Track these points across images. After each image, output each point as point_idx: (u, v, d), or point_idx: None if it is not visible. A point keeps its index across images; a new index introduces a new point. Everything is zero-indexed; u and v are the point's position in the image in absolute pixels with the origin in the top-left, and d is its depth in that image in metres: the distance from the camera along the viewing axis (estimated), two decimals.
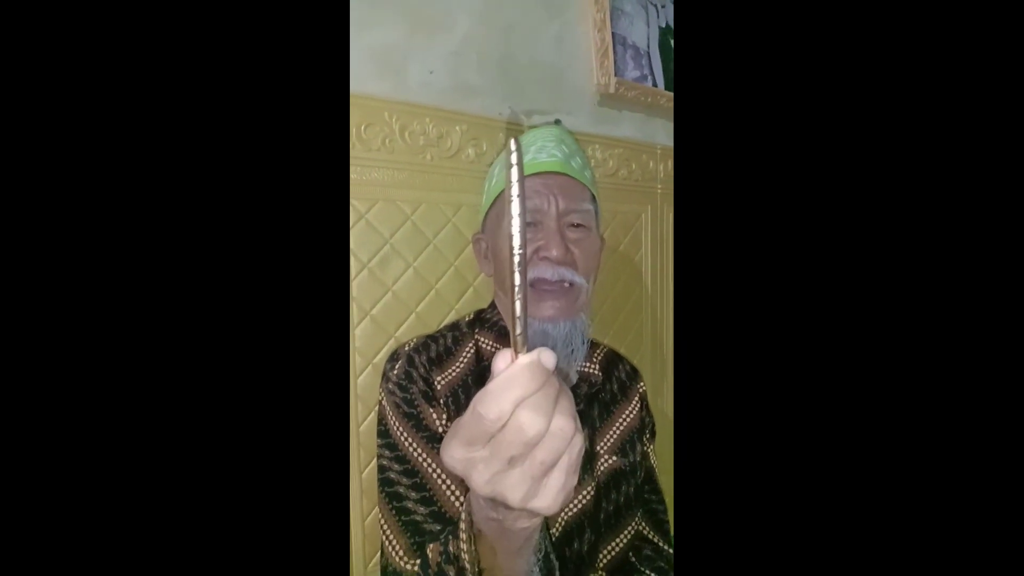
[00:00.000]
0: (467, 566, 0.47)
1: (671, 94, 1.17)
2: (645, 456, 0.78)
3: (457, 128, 0.88)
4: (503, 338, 0.74)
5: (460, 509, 0.61)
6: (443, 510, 0.61)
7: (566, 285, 0.68)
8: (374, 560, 0.80)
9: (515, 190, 0.30)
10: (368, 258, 0.81)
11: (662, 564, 0.72)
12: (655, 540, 0.75)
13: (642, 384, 0.83)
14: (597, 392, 0.77)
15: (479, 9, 0.92)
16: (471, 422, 0.31)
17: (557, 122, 1.00)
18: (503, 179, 0.73)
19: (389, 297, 0.83)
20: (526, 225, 0.31)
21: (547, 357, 0.31)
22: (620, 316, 1.13)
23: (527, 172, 0.67)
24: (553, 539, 0.66)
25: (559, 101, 1.04)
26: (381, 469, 0.66)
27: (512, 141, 0.29)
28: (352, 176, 0.78)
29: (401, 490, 0.63)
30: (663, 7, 1.18)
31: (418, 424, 0.65)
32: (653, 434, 0.82)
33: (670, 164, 1.20)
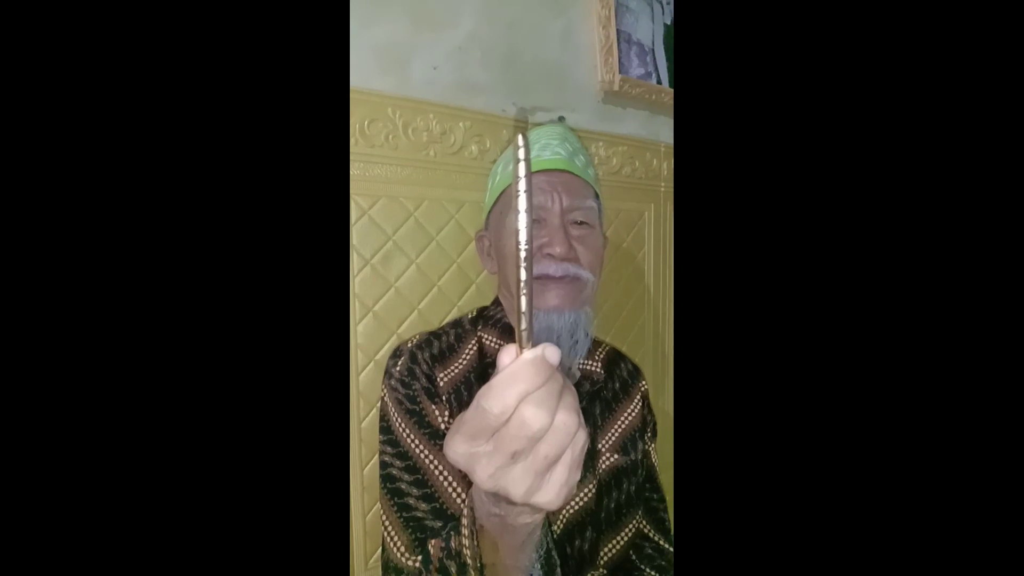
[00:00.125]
0: (469, 562, 0.47)
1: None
2: (646, 454, 0.78)
3: (460, 125, 0.88)
4: (506, 335, 0.74)
5: (462, 506, 0.61)
6: (445, 507, 0.61)
7: (571, 278, 0.68)
8: (375, 556, 0.81)
9: (522, 186, 0.30)
10: (371, 254, 0.81)
11: (663, 562, 0.72)
12: (656, 538, 0.75)
13: (644, 383, 0.83)
14: (599, 390, 0.77)
15: (483, 5, 0.92)
16: (475, 416, 0.31)
17: (561, 119, 1.00)
18: (507, 176, 0.73)
19: (392, 294, 0.83)
20: (532, 221, 0.31)
21: (551, 352, 0.31)
22: (622, 314, 1.13)
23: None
24: (555, 536, 0.66)
25: (563, 98, 1.03)
26: (383, 465, 0.66)
27: (519, 137, 0.29)
28: (355, 172, 0.78)
29: (403, 486, 0.63)
30: (668, 4, 1.18)
31: (420, 421, 0.65)
32: (655, 433, 0.82)
33: (673, 162, 1.19)
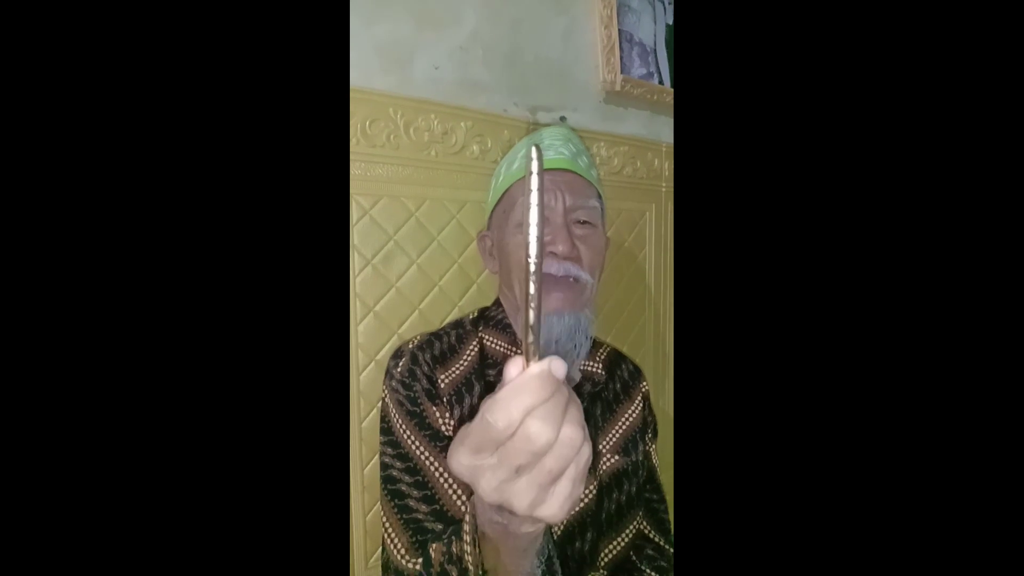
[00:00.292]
0: (470, 568, 0.47)
1: None
2: (647, 455, 0.78)
3: (462, 124, 0.87)
4: (507, 336, 0.74)
5: (462, 508, 0.61)
6: (445, 509, 0.61)
7: (571, 280, 0.68)
8: (375, 556, 0.81)
9: (533, 199, 0.30)
10: (372, 254, 0.81)
11: (663, 563, 0.72)
12: (656, 539, 0.75)
13: (645, 384, 0.83)
14: (600, 391, 0.77)
15: (486, 4, 0.92)
16: (479, 429, 0.31)
17: (562, 119, 1.00)
18: (510, 176, 0.73)
19: (393, 293, 0.83)
20: (543, 234, 0.31)
21: (558, 366, 0.31)
22: (623, 314, 1.13)
23: None
24: (555, 537, 0.67)
25: (565, 98, 1.03)
26: (383, 466, 0.66)
27: (532, 149, 0.29)
28: (356, 172, 0.78)
29: (403, 488, 0.63)
30: (670, 3, 1.17)
31: (421, 422, 0.65)
32: (655, 433, 0.82)
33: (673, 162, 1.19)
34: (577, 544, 0.68)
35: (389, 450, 0.66)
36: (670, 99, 1.16)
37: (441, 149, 0.86)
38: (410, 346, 0.71)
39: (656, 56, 1.15)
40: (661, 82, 1.15)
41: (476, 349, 0.72)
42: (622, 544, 0.72)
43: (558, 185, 0.70)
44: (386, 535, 0.63)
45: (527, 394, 0.30)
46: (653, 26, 1.14)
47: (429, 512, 0.61)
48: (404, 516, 0.62)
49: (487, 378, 0.69)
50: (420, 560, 0.57)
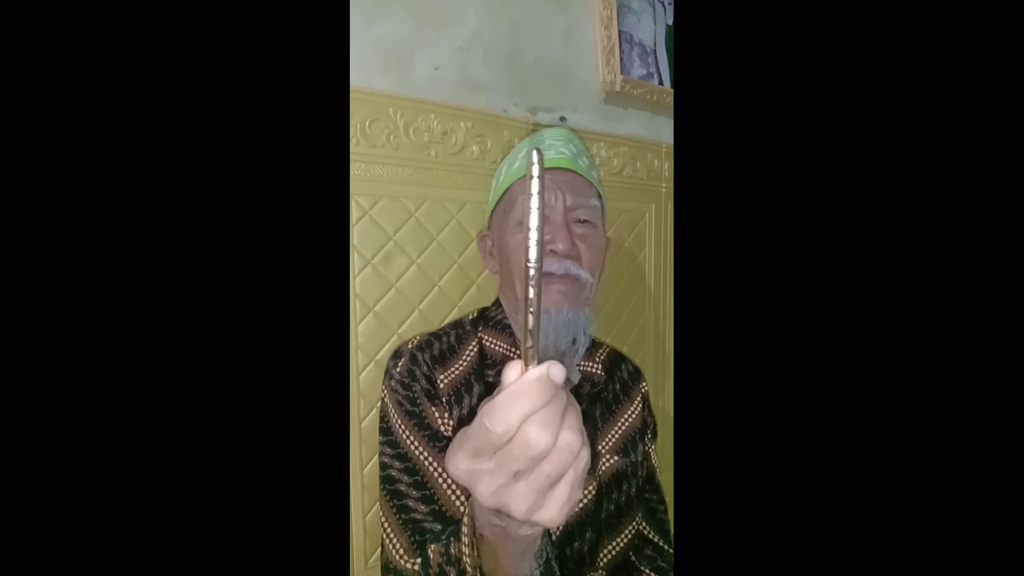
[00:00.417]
0: (468, 569, 0.47)
1: None
2: (646, 456, 0.78)
3: (462, 125, 0.87)
4: (507, 336, 0.74)
5: (461, 508, 0.61)
6: (444, 509, 0.61)
7: (571, 278, 0.68)
8: (374, 556, 0.81)
9: (534, 202, 0.29)
10: (371, 254, 0.81)
11: (662, 564, 0.72)
12: (656, 540, 0.75)
13: (644, 384, 0.83)
14: (600, 392, 0.77)
15: (486, 4, 0.91)
16: (478, 434, 0.31)
17: (562, 119, 1.00)
18: (510, 176, 0.73)
19: (392, 294, 0.83)
20: (543, 238, 0.31)
21: (556, 371, 0.31)
22: (623, 314, 1.13)
23: None
24: (554, 538, 0.67)
25: (565, 98, 1.03)
26: (382, 467, 0.66)
27: (534, 152, 0.29)
28: (356, 172, 0.78)
29: (402, 488, 0.63)
30: (669, 4, 1.17)
31: (420, 422, 0.65)
32: (655, 434, 0.82)
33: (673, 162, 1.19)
34: (576, 544, 0.68)
35: (388, 450, 0.66)
36: (670, 100, 1.16)
37: (441, 149, 0.86)
38: (409, 346, 0.72)
39: (656, 57, 1.15)
40: (661, 83, 1.15)
41: (475, 349, 0.72)
42: (621, 545, 0.72)
43: (559, 184, 0.70)
44: (385, 535, 0.63)
45: (525, 399, 0.30)
46: (653, 27, 1.14)
47: (428, 512, 0.61)
48: (403, 516, 0.62)
49: (486, 378, 0.70)
50: (419, 560, 0.57)
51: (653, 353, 1.19)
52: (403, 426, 0.66)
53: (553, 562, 0.49)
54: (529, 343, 0.31)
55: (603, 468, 0.72)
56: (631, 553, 0.73)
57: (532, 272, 0.31)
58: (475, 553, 0.46)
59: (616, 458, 0.73)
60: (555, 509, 0.32)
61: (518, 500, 0.31)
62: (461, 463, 0.32)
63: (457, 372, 0.70)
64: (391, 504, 0.63)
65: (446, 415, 0.66)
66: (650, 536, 0.75)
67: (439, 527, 0.60)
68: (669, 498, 0.80)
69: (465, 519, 0.47)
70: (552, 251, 0.67)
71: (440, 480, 0.63)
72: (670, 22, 1.17)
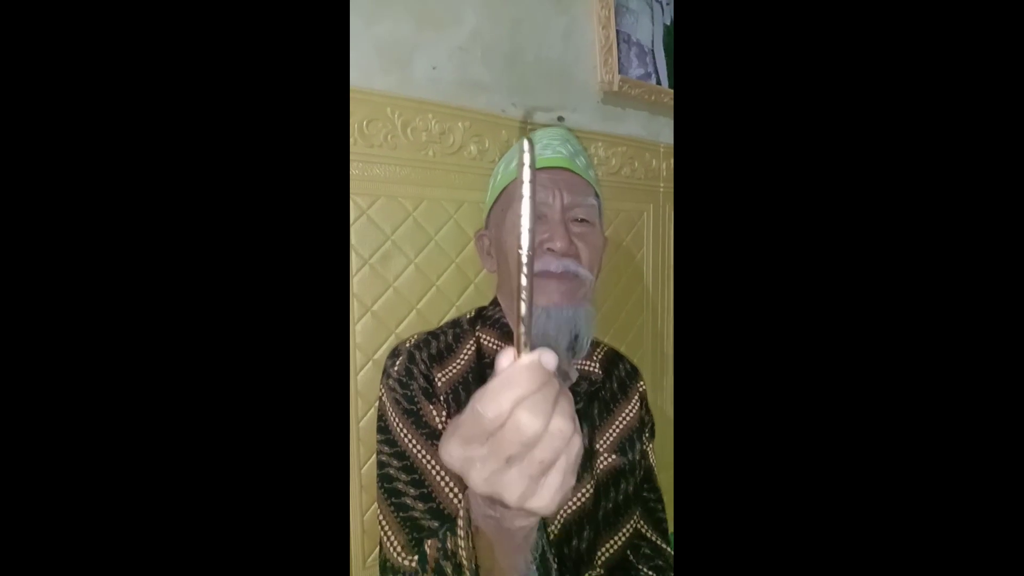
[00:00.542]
0: (464, 563, 0.47)
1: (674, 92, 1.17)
2: (644, 455, 0.78)
3: (460, 125, 0.88)
4: (505, 335, 0.74)
5: (458, 506, 0.61)
6: (441, 507, 0.61)
7: (570, 275, 0.68)
8: (373, 555, 0.81)
9: (526, 190, 0.30)
10: (369, 254, 0.81)
11: (660, 562, 0.72)
12: (653, 538, 0.75)
13: (642, 383, 0.83)
14: (597, 390, 0.77)
15: (486, 4, 0.92)
16: (470, 420, 0.31)
17: (560, 119, 1.00)
18: (507, 175, 0.74)
19: (390, 293, 0.83)
20: (535, 227, 0.31)
21: (548, 358, 0.31)
22: (621, 314, 1.13)
23: None
24: (552, 537, 0.66)
25: (563, 98, 1.03)
26: (380, 465, 0.66)
27: (525, 141, 0.29)
28: (354, 172, 0.78)
29: (400, 486, 0.63)
30: (667, 4, 1.17)
31: (418, 421, 0.65)
32: (652, 433, 0.82)
33: (673, 162, 1.19)
34: (574, 543, 0.68)
35: (386, 448, 0.66)
36: (668, 99, 1.16)
37: (439, 149, 0.86)
38: (407, 345, 0.72)
39: (654, 57, 1.15)
40: (659, 83, 1.15)
41: (473, 348, 0.72)
42: (619, 543, 0.72)
43: (556, 183, 0.70)
44: (383, 533, 0.63)
45: (517, 385, 0.30)
46: (651, 27, 1.14)
47: (426, 510, 0.61)
48: (401, 514, 0.62)
49: (484, 377, 0.69)
50: (416, 557, 0.57)
51: (651, 352, 1.19)
52: (400, 424, 0.66)
53: (549, 556, 0.48)
54: (521, 330, 0.31)
55: (601, 467, 0.72)
56: (629, 552, 0.73)
57: (524, 259, 0.31)
58: (471, 546, 0.46)
59: (614, 457, 0.73)
60: (547, 496, 0.32)
61: (510, 487, 0.31)
62: (454, 450, 0.32)
63: (455, 371, 0.70)
64: (389, 502, 0.63)
65: (444, 413, 0.66)
66: (648, 535, 0.75)
67: (436, 524, 0.59)
68: (669, 497, 0.80)
69: (461, 512, 0.47)
70: (550, 250, 0.67)
71: (437, 478, 0.63)
72: (668, 22, 1.17)
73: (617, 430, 0.76)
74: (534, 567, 0.46)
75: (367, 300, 0.81)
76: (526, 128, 0.94)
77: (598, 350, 0.82)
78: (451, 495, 0.62)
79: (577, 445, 0.32)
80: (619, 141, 1.10)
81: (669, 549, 0.75)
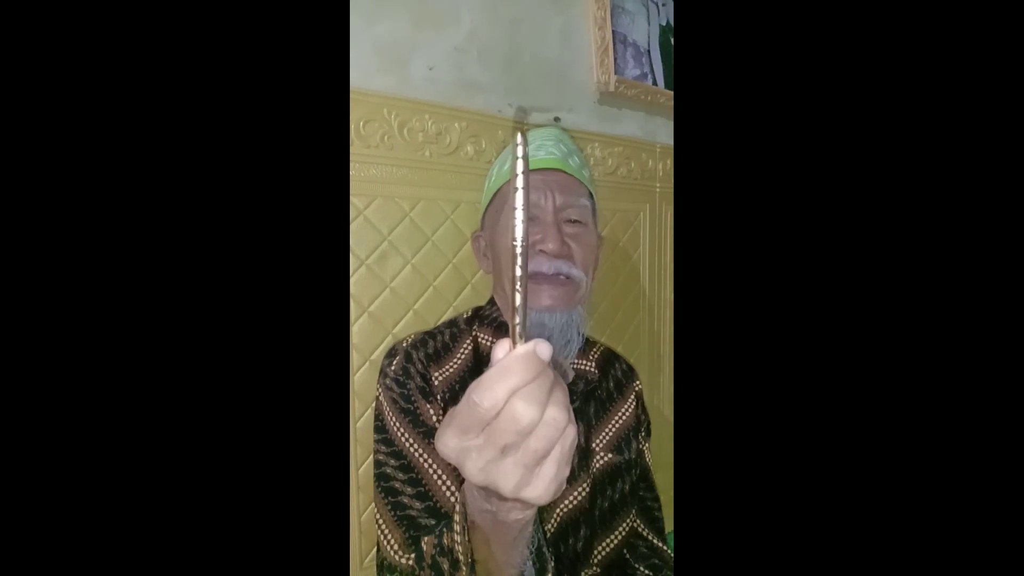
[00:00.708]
0: (461, 558, 0.47)
1: (671, 92, 1.17)
2: (640, 453, 0.78)
3: (456, 125, 0.88)
4: (502, 334, 0.74)
5: (455, 504, 0.61)
6: (438, 505, 0.61)
7: (563, 277, 0.68)
8: (370, 555, 0.81)
9: (519, 182, 0.30)
10: (366, 255, 0.81)
11: (656, 561, 0.72)
12: (650, 537, 0.75)
13: (638, 382, 0.83)
14: (593, 389, 0.77)
15: (483, 4, 0.92)
16: (466, 410, 0.31)
17: (556, 120, 1.01)
18: (502, 176, 0.74)
19: (387, 294, 0.83)
20: (528, 219, 0.31)
21: (543, 348, 0.31)
22: (618, 314, 1.14)
23: None
24: (548, 535, 0.67)
25: (560, 99, 1.04)
26: (377, 464, 0.66)
27: (519, 135, 0.30)
28: (350, 173, 0.78)
29: (397, 485, 0.63)
30: (663, 5, 1.18)
31: (415, 420, 0.65)
32: (648, 432, 0.82)
33: (669, 163, 1.20)
34: (571, 541, 0.68)
35: (383, 448, 0.66)
36: (664, 100, 1.16)
37: (435, 150, 0.86)
38: (404, 344, 0.72)
39: (650, 57, 1.16)
40: (655, 83, 1.16)
41: (470, 347, 0.73)
42: (616, 542, 0.72)
43: (548, 184, 0.70)
44: (380, 532, 0.63)
45: (512, 375, 0.30)
46: (647, 27, 1.15)
47: (423, 509, 0.61)
48: (398, 513, 0.62)
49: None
50: (413, 555, 0.57)
51: (648, 352, 1.20)
52: (398, 424, 0.66)
53: (545, 551, 0.48)
54: (516, 320, 0.31)
55: (597, 466, 0.72)
56: (625, 550, 0.73)
57: (518, 251, 0.31)
58: (467, 541, 0.46)
59: (610, 456, 0.73)
60: (542, 486, 0.32)
61: (506, 476, 0.31)
62: (450, 440, 0.32)
63: (452, 370, 0.70)
64: (386, 501, 0.63)
65: (441, 412, 0.66)
66: (644, 533, 0.75)
67: (433, 523, 0.60)
68: (666, 497, 0.80)
69: (457, 507, 0.47)
70: (542, 251, 0.67)
71: (435, 477, 0.63)
72: (664, 23, 1.18)
73: (613, 429, 0.76)
74: (530, 562, 0.46)
75: (364, 301, 0.81)
76: (521, 128, 0.95)
77: (594, 349, 0.82)
78: (448, 493, 0.62)
79: (572, 435, 0.32)
80: (615, 141, 1.11)
81: (666, 548, 0.75)
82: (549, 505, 0.67)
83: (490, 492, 0.34)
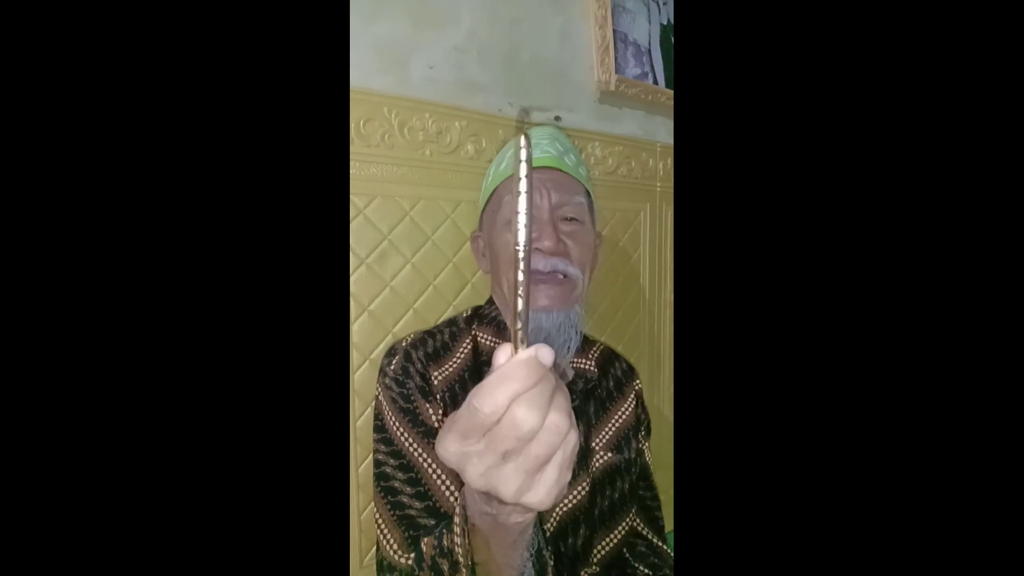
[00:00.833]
0: (461, 560, 0.47)
1: (671, 92, 1.17)
2: (640, 453, 0.78)
3: (457, 124, 0.88)
4: (501, 333, 0.74)
5: (455, 504, 0.61)
6: (438, 505, 0.61)
7: (560, 276, 0.68)
8: (370, 554, 0.81)
9: (522, 186, 0.30)
10: (366, 254, 0.81)
11: (656, 560, 0.72)
12: (649, 536, 0.75)
13: (638, 382, 0.83)
14: (593, 389, 0.77)
15: (483, 4, 0.92)
16: (467, 416, 0.31)
17: (557, 119, 1.00)
18: (499, 176, 0.74)
19: (387, 293, 0.83)
20: (531, 222, 0.31)
21: (545, 354, 0.31)
22: (618, 313, 1.14)
23: None
24: (548, 534, 0.67)
25: (560, 98, 1.04)
26: (377, 464, 0.66)
27: (522, 137, 0.29)
28: (351, 171, 0.78)
29: (397, 485, 0.63)
30: (664, 4, 1.18)
31: (414, 419, 0.65)
32: (648, 431, 0.82)
33: (669, 162, 1.20)
34: (570, 541, 0.68)
35: (382, 447, 0.66)
36: (664, 99, 1.16)
37: (436, 149, 0.86)
38: (403, 344, 0.72)
39: (651, 56, 1.15)
40: (655, 82, 1.16)
41: (470, 346, 0.73)
42: (615, 541, 0.72)
43: (544, 183, 0.70)
44: (379, 532, 0.63)
45: (514, 380, 0.30)
46: (648, 26, 1.15)
47: (422, 508, 0.61)
48: (397, 513, 0.62)
49: (481, 375, 0.70)
50: (413, 555, 0.57)
51: (648, 351, 1.20)
52: (397, 423, 0.66)
53: (545, 552, 0.48)
54: (518, 325, 0.31)
55: (597, 465, 0.72)
56: (625, 549, 0.73)
57: (521, 255, 0.31)
58: (467, 542, 0.46)
59: (610, 455, 0.73)
60: (543, 491, 0.32)
61: (506, 482, 0.31)
62: (451, 445, 0.32)
63: (451, 369, 0.70)
64: (385, 501, 0.63)
65: (440, 412, 0.66)
66: (644, 532, 0.75)
67: (433, 523, 0.60)
68: (665, 496, 0.80)
69: (457, 509, 0.47)
70: (538, 249, 0.67)
71: (434, 476, 0.63)
72: (664, 22, 1.18)
73: (613, 428, 0.76)
74: (530, 564, 0.46)
75: (364, 300, 0.81)
76: (523, 127, 0.95)
77: (594, 349, 0.82)
78: (447, 493, 0.62)
79: (573, 441, 0.32)
80: (616, 141, 1.11)
81: (665, 547, 0.75)
82: None
83: (490, 496, 0.34)
